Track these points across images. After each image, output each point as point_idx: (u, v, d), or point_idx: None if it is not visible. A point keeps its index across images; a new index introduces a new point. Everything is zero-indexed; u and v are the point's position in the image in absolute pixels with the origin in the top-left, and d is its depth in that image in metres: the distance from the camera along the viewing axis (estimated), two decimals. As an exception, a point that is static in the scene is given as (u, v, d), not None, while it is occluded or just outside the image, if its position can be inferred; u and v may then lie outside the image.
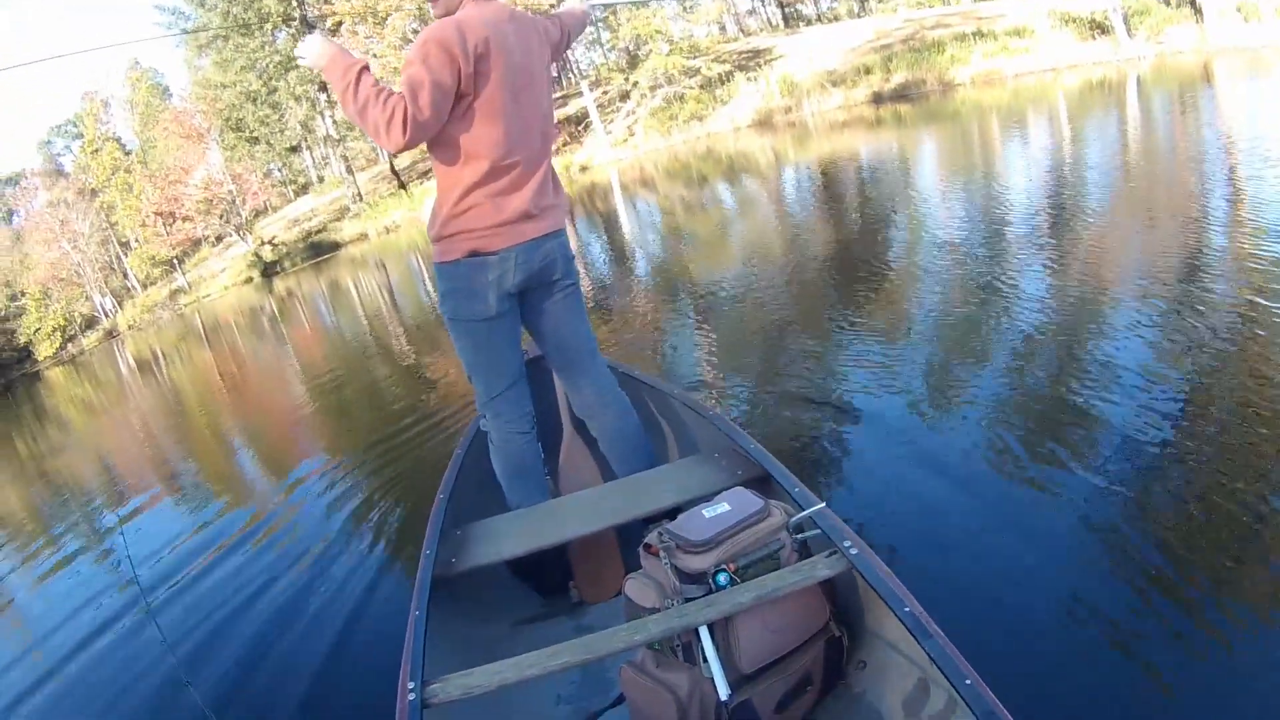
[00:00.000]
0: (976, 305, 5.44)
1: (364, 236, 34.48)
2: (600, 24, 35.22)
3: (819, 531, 2.13)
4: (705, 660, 1.95)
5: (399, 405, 7.02)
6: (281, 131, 42.50)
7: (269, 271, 35.58)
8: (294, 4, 37.25)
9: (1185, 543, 2.64)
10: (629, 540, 2.79)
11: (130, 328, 38.57)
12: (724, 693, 1.90)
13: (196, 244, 43.61)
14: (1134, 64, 19.39)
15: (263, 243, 38.54)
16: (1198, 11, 19.72)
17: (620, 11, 32.74)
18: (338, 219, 38.38)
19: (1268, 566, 2.48)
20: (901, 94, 24.60)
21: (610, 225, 16.08)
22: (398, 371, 9.11)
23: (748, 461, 2.73)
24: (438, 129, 2.51)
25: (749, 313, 6.83)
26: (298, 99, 39.48)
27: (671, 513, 2.32)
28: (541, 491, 3.02)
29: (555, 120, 2.79)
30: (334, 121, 40.41)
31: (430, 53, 2.41)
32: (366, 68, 2.48)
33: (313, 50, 2.54)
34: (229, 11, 37.44)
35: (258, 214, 42.97)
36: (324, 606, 3.78)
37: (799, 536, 2.14)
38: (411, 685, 1.90)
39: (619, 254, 12.48)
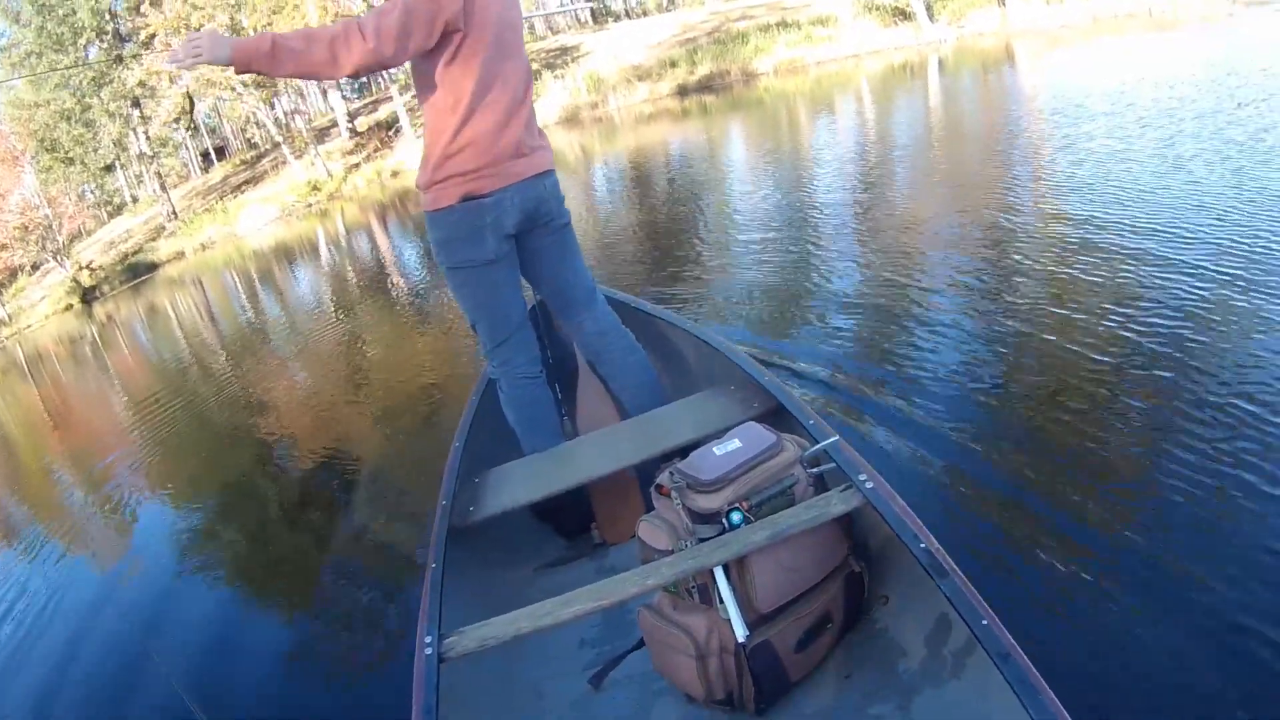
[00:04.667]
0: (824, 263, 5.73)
1: (181, 255, 32.85)
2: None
3: (834, 465, 2.03)
4: (721, 601, 1.85)
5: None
6: (95, 150, 40.63)
7: (89, 297, 33.46)
8: (107, 18, 35.62)
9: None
10: (648, 479, 2.47)
11: (-45, 365, 35.90)
12: (741, 634, 1.81)
13: (14, 273, 40.91)
14: (935, 47, 19.79)
15: (81, 268, 36.34)
16: (1000, -5, 20.32)
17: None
18: (154, 239, 36.47)
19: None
20: (706, 85, 24.50)
21: (420, 230, 15.50)
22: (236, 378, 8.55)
23: (762, 393, 2.61)
24: (405, 55, 2.39)
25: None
26: (111, 115, 37.64)
27: (688, 449, 2.14)
28: (555, 435, 2.89)
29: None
30: (147, 138, 38.48)
31: None
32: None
33: (218, 48, 2.27)
34: (43, 27, 35.54)
35: (74, 238, 40.74)
36: (339, 568, 3.74)
37: (813, 471, 2.02)
38: (429, 639, 1.85)
39: (428, 259, 11.80)
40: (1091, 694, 1.88)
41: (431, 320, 7.89)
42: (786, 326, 4.82)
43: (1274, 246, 4.03)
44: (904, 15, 22.00)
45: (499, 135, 2.54)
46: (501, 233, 2.63)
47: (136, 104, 36.68)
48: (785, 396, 2.51)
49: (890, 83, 16.72)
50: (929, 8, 21.27)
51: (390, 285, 10.75)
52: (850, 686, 1.90)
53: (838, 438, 2.08)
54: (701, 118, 19.35)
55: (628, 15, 43.30)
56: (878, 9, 22.94)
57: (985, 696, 1.52)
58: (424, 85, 2.53)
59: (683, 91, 24.95)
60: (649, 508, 2.07)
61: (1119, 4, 17.44)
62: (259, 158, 39.20)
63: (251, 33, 29.73)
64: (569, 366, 3.42)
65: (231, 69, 2.31)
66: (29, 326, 34.55)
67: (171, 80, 32.65)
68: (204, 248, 32.08)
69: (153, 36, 30.45)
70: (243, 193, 35.55)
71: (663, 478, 1.99)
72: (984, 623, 1.50)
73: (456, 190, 2.56)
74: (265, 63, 2.30)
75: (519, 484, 2.60)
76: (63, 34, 35.24)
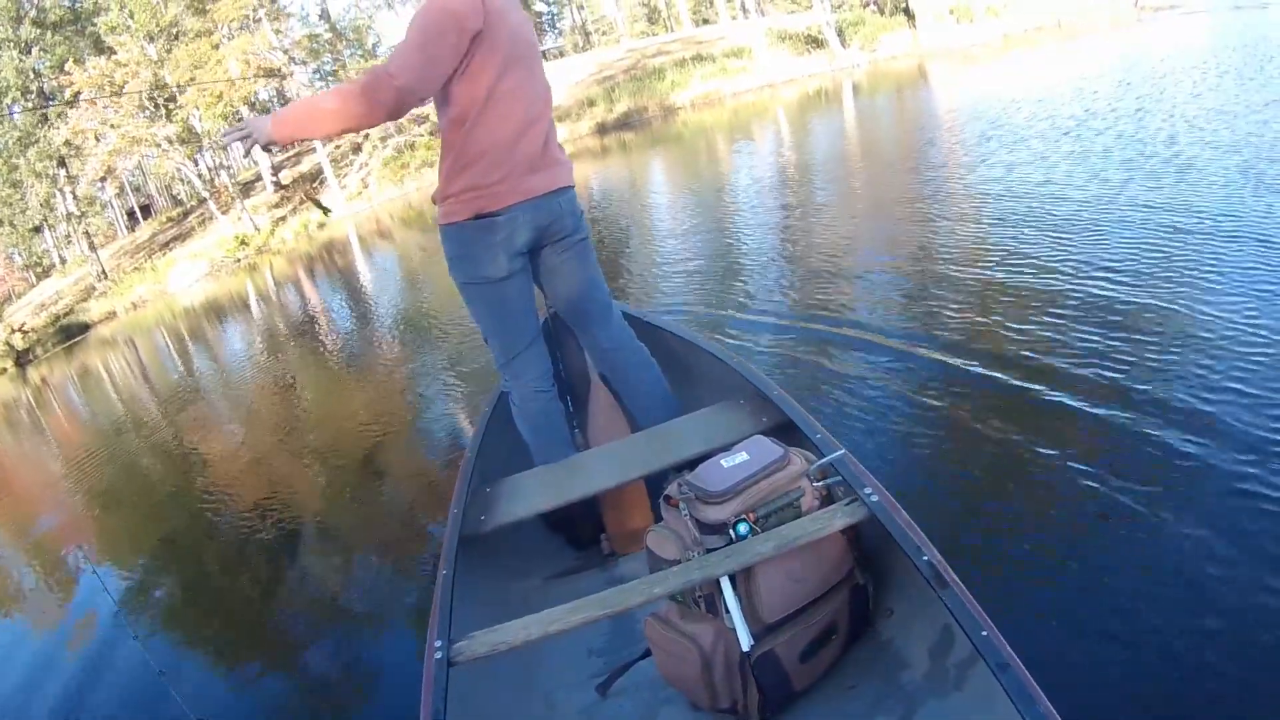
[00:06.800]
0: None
1: (113, 315, 31.75)
2: (330, 76, 34.00)
3: (840, 478, 2.00)
4: (727, 611, 1.85)
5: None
6: (23, 211, 39.42)
7: (22, 360, 32.55)
8: (31, 76, 34.49)
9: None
10: (658, 491, 2.45)
11: (-108, 435, 34.54)
12: (746, 643, 1.82)
13: (-56, 339, 39.79)
14: (849, 72, 20.16)
15: (13, 331, 35.38)
16: (911, 18, 20.65)
17: (349, 63, 31.88)
18: (84, 299, 35.32)
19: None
20: (625, 123, 24.65)
21: (349, 279, 15.16)
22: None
23: (771, 407, 2.60)
24: (436, 81, 2.34)
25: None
26: (38, 176, 36.69)
27: (697, 461, 2.11)
28: (567, 447, 2.87)
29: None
30: (75, 197, 37.64)
31: (430, 15, 2.29)
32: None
33: (261, 128, 2.36)
34: (-30, 88, 34.74)
35: (4, 302, 39.68)
36: (352, 575, 3.77)
37: (820, 484, 1.99)
38: (439, 644, 1.83)
39: (359, 308, 11.78)
40: (1090, 702, 1.89)
41: (364, 367, 7.85)
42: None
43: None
44: (817, 43, 22.35)
45: (513, 148, 2.49)
46: (513, 250, 2.58)
47: (63, 163, 35.82)
48: (794, 411, 2.49)
49: (806, 109, 16.93)
50: (841, 34, 21.61)
51: (320, 336, 10.51)
52: (854, 697, 1.89)
53: (844, 451, 2.06)
54: (622, 155, 19.43)
55: (544, 56, 43.44)
56: (790, 38, 23.25)
57: (985, 707, 1.52)
58: (439, 98, 2.47)
59: (602, 130, 25.03)
60: (659, 519, 2.06)
61: (1028, 18, 17.78)
62: (185, 214, 38.53)
63: (175, 88, 29.33)
64: (581, 379, 3.38)
65: (276, 143, 2.36)
66: (-37, 392, 33.51)
67: (97, 139, 31.94)
68: (135, 306, 31.14)
69: (78, 94, 29.67)
70: (171, 250, 34.82)
71: (671, 489, 1.98)
72: (984, 634, 1.49)
73: (468, 206, 2.50)
74: (306, 128, 2.33)
75: (530, 494, 2.58)
76: (-13, 93, 34.15)
